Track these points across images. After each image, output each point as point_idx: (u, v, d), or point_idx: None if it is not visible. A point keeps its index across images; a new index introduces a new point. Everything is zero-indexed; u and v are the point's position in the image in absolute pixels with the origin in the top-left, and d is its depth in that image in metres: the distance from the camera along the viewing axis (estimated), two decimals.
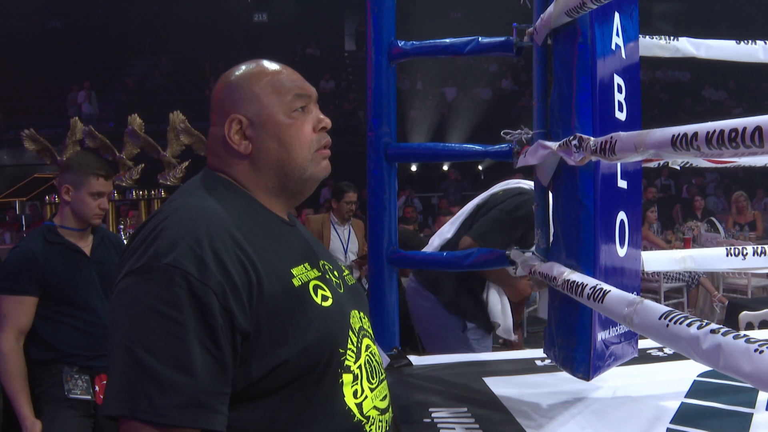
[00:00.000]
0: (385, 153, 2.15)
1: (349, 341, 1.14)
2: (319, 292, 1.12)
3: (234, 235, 1.04)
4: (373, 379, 1.17)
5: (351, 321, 1.17)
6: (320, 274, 1.17)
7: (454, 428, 1.61)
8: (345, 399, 1.10)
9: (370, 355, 1.19)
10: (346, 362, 1.11)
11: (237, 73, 1.20)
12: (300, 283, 1.10)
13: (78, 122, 4.96)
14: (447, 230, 2.81)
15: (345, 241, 4.96)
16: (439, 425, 1.63)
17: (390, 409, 1.21)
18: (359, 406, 1.12)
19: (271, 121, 1.16)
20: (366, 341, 1.19)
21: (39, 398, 2.32)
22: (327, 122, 1.21)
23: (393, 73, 2.17)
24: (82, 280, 2.40)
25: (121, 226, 5.04)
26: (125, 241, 4.01)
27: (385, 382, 1.22)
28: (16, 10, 16.31)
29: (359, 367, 1.14)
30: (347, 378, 1.11)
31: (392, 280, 2.20)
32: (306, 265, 1.14)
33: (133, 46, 18.06)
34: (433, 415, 1.69)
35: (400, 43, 2.12)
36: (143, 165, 5.00)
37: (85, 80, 15.11)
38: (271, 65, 1.21)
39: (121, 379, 0.95)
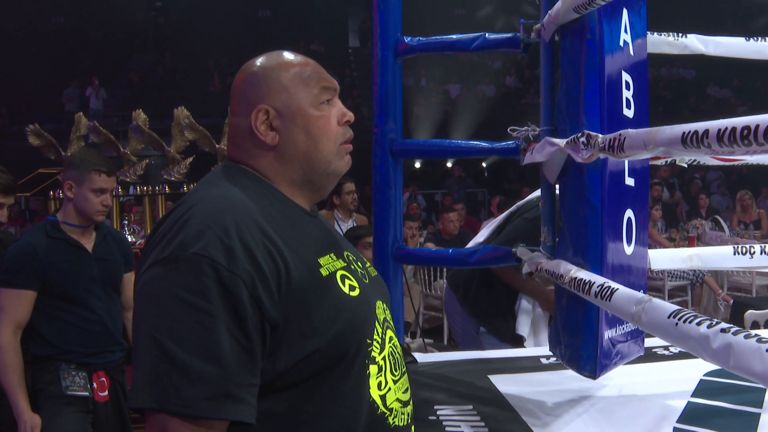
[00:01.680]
0: (390, 149, 2.14)
1: (375, 332, 1.13)
2: (347, 281, 1.12)
3: (261, 225, 1.03)
4: (396, 371, 1.17)
5: (376, 312, 1.16)
6: (346, 264, 1.16)
7: (459, 426, 1.61)
8: (370, 390, 1.09)
9: (393, 346, 1.18)
10: (373, 353, 1.11)
11: (262, 63, 1.19)
12: (327, 272, 1.09)
13: (82, 117, 4.94)
14: (481, 234, 2.84)
15: None
16: (444, 423, 1.63)
17: (411, 402, 1.21)
18: (383, 397, 1.11)
19: (300, 113, 1.15)
20: (389, 332, 1.19)
21: (37, 395, 2.32)
22: (351, 116, 1.21)
23: (399, 69, 2.16)
24: (83, 276, 2.40)
25: (125, 222, 5.04)
26: (128, 238, 4.02)
27: (406, 375, 1.22)
28: (19, 6, 16.30)
29: (384, 358, 1.13)
30: (373, 369, 1.10)
31: (398, 276, 2.20)
32: (332, 255, 1.14)
33: (137, 41, 18.07)
34: (438, 412, 1.69)
35: (407, 39, 2.11)
36: (147, 161, 5.00)
37: (92, 75, 15.14)
38: (296, 56, 1.21)
39: (149, 370, 0.93)
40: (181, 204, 1.09)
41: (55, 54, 16.54)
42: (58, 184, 4.98)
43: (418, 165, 14.20)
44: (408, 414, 1.18)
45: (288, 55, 1.21)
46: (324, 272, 1.08)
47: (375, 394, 1.10)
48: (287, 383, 1.02)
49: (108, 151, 4.93)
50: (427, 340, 3.65)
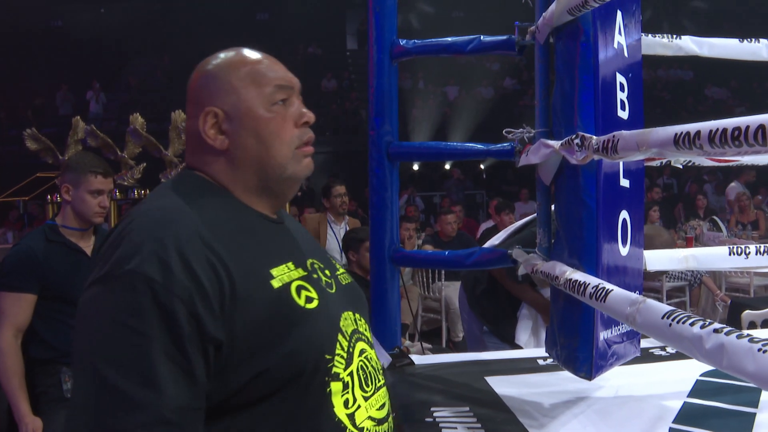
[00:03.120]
0: (387, 152, 2.15)
1: (338, 346, 1.06)
2: (303, 293, 1.05)
3: (204, 237, 0.98)
4: (368, 386, 1.10)
5: (342, 324, 1.09)
6: (306, 273, 1.09)
7: (456, 428, 1.61)
8: (335, 410, 1.02)
9: (365, 360, 1.11)
10: (334, 369, 1.04)
11: (214, 62, 1.13)
12: (280, 284, 1.03)
13: (80, 121, 4.95)
14: (496, 237, 2.88)
15: (341, 239, 4.96)
16: (441, 424, 1.63)
17: (390, 419, 1.14)
18: (351, 416, 1.05)
19: (249, 115, 1.09)
20: (360, 345, 1.11)
21: (39, 398, 2.32)
22: (310, 116, 1.14)
23: (395, 71, 2.17)
24: (82, 279, 2.39)
25: None
26: None
27: (383, 389, 1.14)
28: (18, 9, 16.31)
29: (350, 374, 1.06)
30: (336, 386, 1.04)
31: (394, 279, 2.20)
32: (289, 264, 1.07)
33: (136, 45, 18.08)
34: (435, 414, 1.69)
35: (402, 42, 2.12)
36: (145, 164, 5.01)
37: (91, 79, 15.15)
38: (251, 54, 1.14)
39: (84, 397, 0.89)
40: (124, 218, 1.05)
41: (53, 58, 16.54)
42: (55, 188, 4.97)
43: (416, 167, 14.20)
44: None
45: (242, 53, 1.14)
46: (276, 284, 1.02)
47: (341, 413, 1.03)
48: (240, 404, 0.97)
49: (106, 154, 4.94)
50: (425, 345, 3.65)
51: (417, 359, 2.17)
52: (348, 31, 20.09)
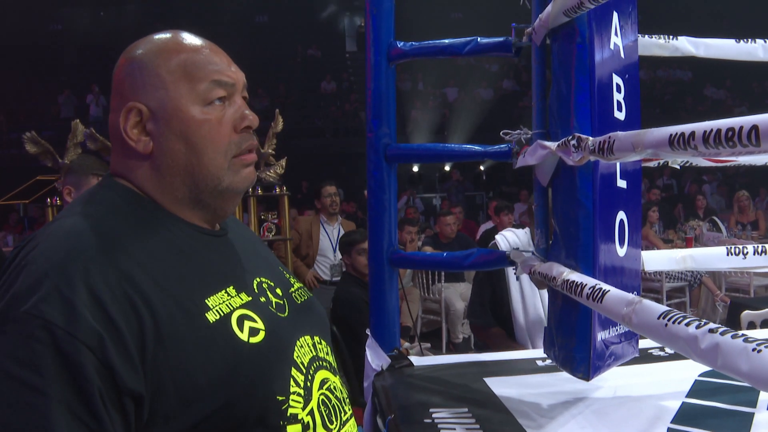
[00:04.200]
0: (384, 154, 2.15)
1: (293, 383, 0.92)
2: (246, 324, 0.90)
3: (121, 266, 0.82)
4: (333, 422, 0.96)
5: (296, 354, 0.95)
6: (250, 298, 0.94)
7: (454, 428, 1.61)
8: None
9: (328, 392, 0.98)
10: (290, 410, 0.90)
11: (144, 46, 0.95)
12: (218, 316, 0.88)
13: (79, 124, 4.95)
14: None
15: (334, 241, 4.98)
16: (439, 426, 1.63)
17: None
18: None
19: (177, 116, 0.91)
20: (321, 375, 0.98)
21: None
22: (252, 120, 0.97)
23: (392, 73, 2.17)
24: None
25: None
26: None
27: (351, 421, 1.02)
28: (17, 14, 16.34)
29: (310, 412, 0.93)
30: (294, 429, 0.89)
31: (393, 280, 2.20)
32: (230, 289, 0.92)
33: None
34: (433, 415, 1.69)
35: (399, 44, 2.12)
36: None
37: (90, 82, 15.18)
38: (188, 40, 0.95)
39: None
40: (29, 241, 0.88)
41: (53, 61, 16.57)
42: (56, 192, 4.98)
43: (416, 169, 14.22)
44: None
45: (177, 39, 0.95)
46: (212, 317, 0.87)
47: None
48: None
49: (105, 157, 4.93)
50: (424, 345, 3.65)
51: (415, 360, 2.17)
52: (347, 33, 20.13)
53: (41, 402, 0.74)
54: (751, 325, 3.23)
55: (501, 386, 1.90)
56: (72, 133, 4.92)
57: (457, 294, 5.86)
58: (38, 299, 0.77)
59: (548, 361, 2.08)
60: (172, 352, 0.82)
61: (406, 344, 2.41)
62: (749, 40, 1.98)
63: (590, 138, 1.37)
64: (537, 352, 2.24)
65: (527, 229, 2.94)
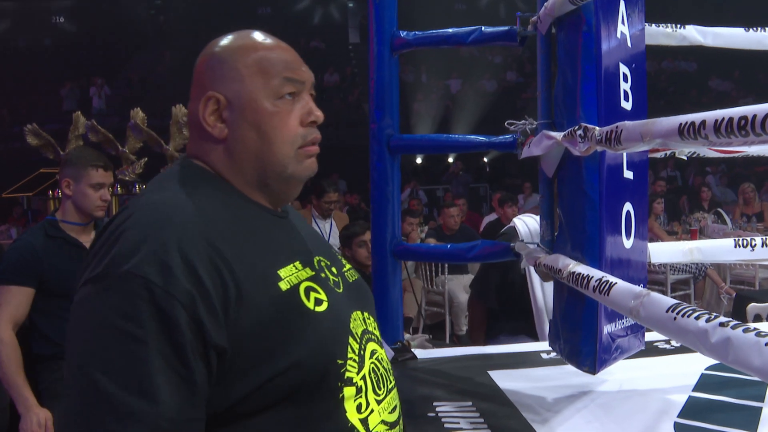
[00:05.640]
0: (387, 145, 2.13)
1: (350, 349, 1.01)
2: (312, 295, 0.99)
3: (208, 236, 0.91)
4: (380, 389, 1.05)
5: (352, 325, 1.04)
6: (314, 273, 1.03)
7: (458, 422, 1.60)
8: (347, 415, 0.98)
9: (377, 362, 1.07)
10: (347, 374, 0.99)
11: (223, 43, 1.06)
12: (288, 286, 0.97)
13: (80, 116, 4.95)
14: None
15: (327, 235, 4.98)
16: (443, 419, 1.62)
17: (401, 422, 1.11)
18: (364, 421, 1.00)
19: (251, 106, 1.01)
20: (371, 346, 1.07)
21: (42, 394, 2.32)
22: (318, 116, 1.07)
23: (395, 64, 2.15)
24: None
25: None
26: None
27: (394, 391, 1.11)
28: (20, 6, 16.32)
29: (363, 377, 1.01)
30: (349, 391, 0.98)
31: (396, 273, 2.19)
32: (297, 264, 1.01)
33: (137, 40, 18.07)
34: (437, 409, 1.68)
35: (402, 34, 2.10)
36: (146, 159, 5.00)
37: (93, 75, 15.17)
38: (264, 39, 1.06)
39: (76, 405, 0.84)
40: (122, 211, 0.98)
41: (56, 54, 16.55)
42: (57, 184, 4.98)
43: (419, 161, 14.19)
44: None
45: (255, 37, 1.06)
46: (284, 286, 0.96)
47: (354, 418, 0.98)
48: (245, 412, 0.92)
49: (107, 149, 4.93)
50: (426, 336, 3.64)
51: (419, 353, 2.16)
52: (350, 24, 20.06)
53: (142, 350, 0.84)
54: (758, 318, 3.20)
55: (505, 379, 1.89)
56: (73, 126, 4.91)
57: (461, 286, 5.84)
58: (138, 260, 0.86)
59: (553, 354, 2.06)
60: (251, 313, 0.91)
61: (408, 336, 2.40)
62: (759, 28, 1.95)
63: (597, 128, 1.35)
64: (542, 345, 2.22)
65: None
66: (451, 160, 14.08)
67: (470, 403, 1.71)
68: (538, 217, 2.92)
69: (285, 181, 1.06)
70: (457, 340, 5.75)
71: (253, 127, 1.02)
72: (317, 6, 19.68)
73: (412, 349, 2.17)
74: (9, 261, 2.34)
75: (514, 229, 2.78)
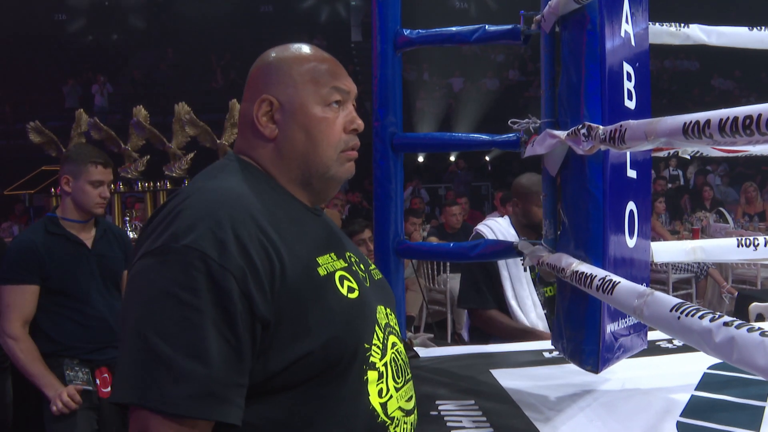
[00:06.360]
0: (391, 143, 2.13)
1: (375, 336, 1.09)
2: (345, 283, 1.08)
3: (257, 219, 1.00)
4: (399, 378, 1.12)
5: (377, 316, 1.12)
6: (346, 265, 1.12)
7: (461, 421, 1.60)
8: (369, 398, 1.05)
9: (396, 353, 1.14)
10: (372, 358, 1.07)
11: (280, 52, 1.16)
12: (325, 272, 1.06)
13: (83, 114, 4.95)
14: None
15: None
16: (446, 418, 1.62)
17: (415, 411, 1.16)
18: (384, 405, 1.07)
19: (302, 110, 1.12)
20: (392, 338, 1.14)
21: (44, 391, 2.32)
22: (360, 124, 1.16)
23: (399, 62, 2.15)
24: (83, 272, 2.40)
25: (127, 218, 5.05)
26: (129, 235, 4.02)
27: (411, 382, 1.17)
28: (22, 4, 16.32)
29: (385, 364, 1.09)
30: (372, 375, 1.06)
31: (399, 271, 2.18)
32: (332, 254, 1.10)
33: (140, 38, 18.07)
34: (440, 407, 1.68)
35: (406, 32, 2.10)
36: (148, 157, 5.00)
37: (96, 73, 15.16)
38: (316, 52, 1.17)
39: (133, 365, 0.91)
40: (177, 195, 1.06)
41: (58, 52, 16.55)
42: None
43: (421, 159, 14.17)
44: (411, 424, 1.14)
45: (307, 49, 1.17)
46: (322, 272, 1.05)
47: (375, 401, 1.06)
48: (280, 386, 0.98)
49: (109, 147, 4.93)
50: (429, 335, 3.63)
51: (422, 352, 2.16)
52: (353, 22, 20.03)
53: (197, 317, 0.91)
54: (760, 317, 3.20)
55: (508, 378, 1.89)
56: (76, 123, 4.92)
57: None
58: (196, 236, 0.94)
59: (555, 353, 2.06)
60: (291, 292, 0.98)
61: (410, 334, 2.40)
62: (762, 27, 1.95)
63: (601, 127, 1.35)
64: (544, 344, 2.22)
65: (506, 217, 2.92)
66: (453, 158, 14.06)
67: (473, 402, 1.71)
68: (499, 219, 2.94)
69: (326, 181, 1.15)
70: (458, 339, 5.75)
71: (303, 129, 1.12)
72: (320, 4, 19.65)
73: (415, 348, 2.17)
74: (11, 259, 2.34)
75: (480, 235, 2.80)
